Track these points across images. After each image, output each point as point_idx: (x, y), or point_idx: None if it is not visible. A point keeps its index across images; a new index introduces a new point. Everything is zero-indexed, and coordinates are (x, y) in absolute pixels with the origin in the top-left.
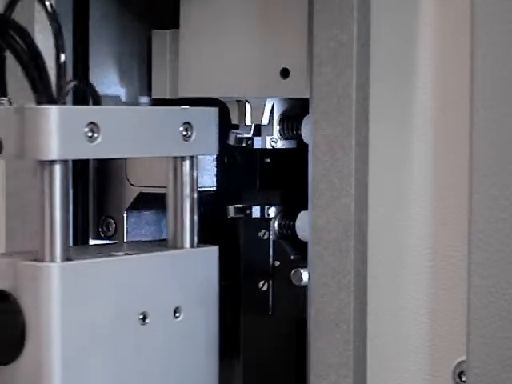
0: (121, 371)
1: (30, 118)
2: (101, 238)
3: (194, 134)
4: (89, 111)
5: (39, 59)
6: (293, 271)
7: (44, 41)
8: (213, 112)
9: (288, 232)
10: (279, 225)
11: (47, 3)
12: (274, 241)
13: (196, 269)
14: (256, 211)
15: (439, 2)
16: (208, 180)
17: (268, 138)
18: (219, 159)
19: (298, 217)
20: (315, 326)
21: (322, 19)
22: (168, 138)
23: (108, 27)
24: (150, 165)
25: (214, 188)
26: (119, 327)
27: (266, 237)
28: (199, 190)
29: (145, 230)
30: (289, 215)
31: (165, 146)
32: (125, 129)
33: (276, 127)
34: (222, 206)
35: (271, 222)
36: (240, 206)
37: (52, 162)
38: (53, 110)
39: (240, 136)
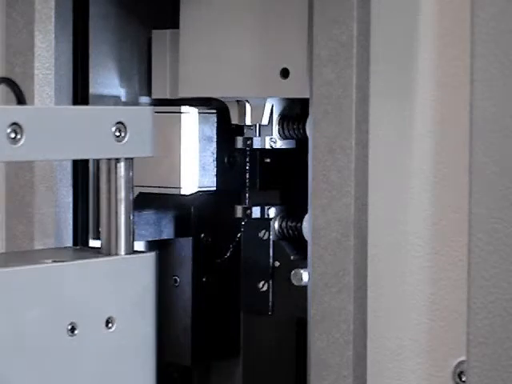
0: None
1: None
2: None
3: (128, 134)
4: (11, 111)
5: None
6: (293, 271)
7: (44, 41)
8: (147, 111)
9: (288, 232)
10: (279, 225)
11: None
12: (273, 241)
13: (131, 277)
14: (256, 211)
15: (439, 1)
16: (208, 180)
17: (267, 138)
18: (219, 159)
19: (305, 218)
20: (315, 326)
21: (322, 19)
22: (99, 139)
23: (108, 28)
24: (149, 165)
25: (214, 188)
26: (46, 338)
27: (265, 237)
28: (199, 190)
29: (145, 230)
30: (289, 215)
31: (96, 147)
32: (51, 130)
33: (275, 127)
34: (221, 206)
35: (271, 223)
36: (240, 206)
37: None
38: None
39: (247, 137)
